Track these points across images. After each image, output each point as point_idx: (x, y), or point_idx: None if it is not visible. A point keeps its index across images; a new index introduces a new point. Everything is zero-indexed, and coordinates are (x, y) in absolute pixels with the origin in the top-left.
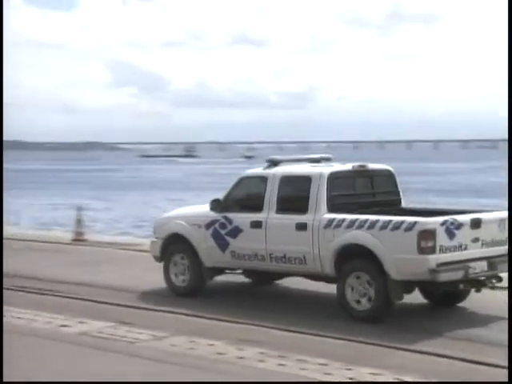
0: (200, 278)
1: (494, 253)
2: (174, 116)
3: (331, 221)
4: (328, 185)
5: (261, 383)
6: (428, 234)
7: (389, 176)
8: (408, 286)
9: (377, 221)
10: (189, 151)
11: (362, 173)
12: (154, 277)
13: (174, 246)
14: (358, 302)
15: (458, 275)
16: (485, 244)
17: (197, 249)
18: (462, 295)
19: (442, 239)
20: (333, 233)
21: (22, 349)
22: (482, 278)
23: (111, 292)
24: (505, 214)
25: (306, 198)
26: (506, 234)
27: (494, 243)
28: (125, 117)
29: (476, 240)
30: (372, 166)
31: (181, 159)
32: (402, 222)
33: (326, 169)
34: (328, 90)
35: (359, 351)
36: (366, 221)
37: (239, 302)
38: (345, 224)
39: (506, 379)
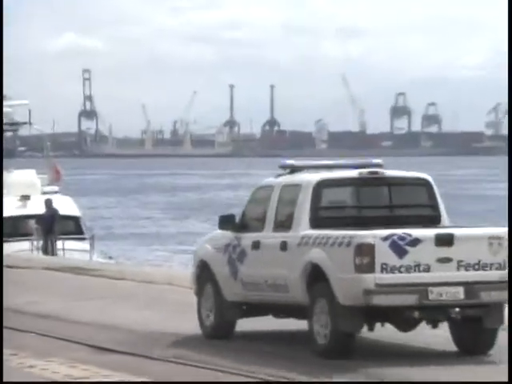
0: (222, 316)
1: (480, 278)
2: None
3: (303, 238)
4: (313, 195)
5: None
6: (364, 250)
7: (422, 186)
8: (366, 314)
9: (330, 236)
10: None
11: (374, 181)
12: None
13: (204, 275)
14: (322, 334)
15: (407, 300)
16: (464, 266)
17: (217, 278)
18: (487, 341)
19: (384, 256)
20: (303, 252)
21: None
22: (457, 308)
23: None
24: (500, 230)
25: (293, 212)
26: (502, 255)
27: (480, 266)
28: None
29: (446, 260)
30: (393, 173)
31: None
32: (344, 237)
33: (317, 176)
34: None
35: None
36: (323, 237)
37: None
38: (311, 241)
39: None
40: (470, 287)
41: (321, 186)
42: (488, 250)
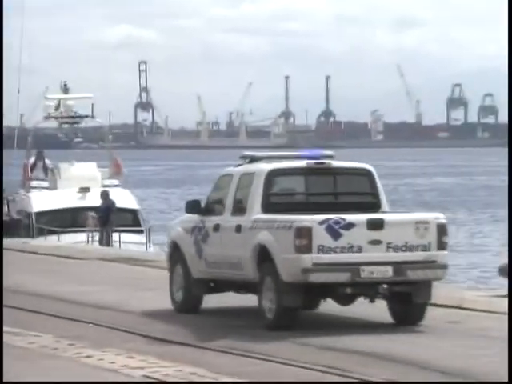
0: (190, 292)
1: (406, 258)
2: None
3: (254, 222)
4: (265, 183)
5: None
6: (303, 233)
7: (364, 176)
8: (306, 290)
9: (275, 220)
10: None
11: (320, 171)
12: None
13: (175, 255)
14: (269, 309)
15: (340, 278)
16: (393, 247)
17: (186, 257)
18: (417, 314)
19: (321, 239)
20: (253, 234)
21: None
22: (385, 285)
23: None
24: (426, 215)
25: (248, 198)
26: (428, 238)
27: (407, 248)
28: None
29: (377, 242)
30: (338, 163)
31: None
32: (287, 221)
33: (268, 165)
34: None
35: None
36: (271, 221)
37: None
38: (260, 225)
39: None
40: (397, 266)
41: (272, 174)
42: (415, 234)
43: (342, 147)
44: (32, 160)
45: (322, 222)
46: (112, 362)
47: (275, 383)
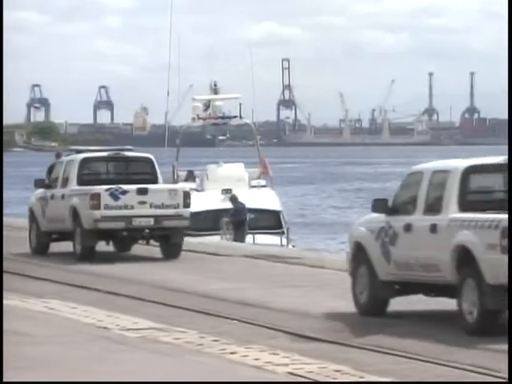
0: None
1: (162, 213)
2: None
3: (72, 191)
4: (79, 166)
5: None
6: (94, 197)
7: (146, 162)
8: (98, 234)
9: (80, 190)
10: None
11: (116, 158)
12: None
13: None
14: None
15: (118, 225)
16: (154, 206)
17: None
18: (176, 251)
19: (106, 200)
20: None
21: None
22: (148, 230)
23: None
24: (176, 186)
25: (65, 176)
26: (177, 201)
27: (163, 206)
28: None
29: (143, 203)
30: (128, 153)
31: None
32: (85, 190)
33: (82, 155)
34: None
35: None
36: (78, 190)
37: None
38: (75, 195)
39: None
40: (157, 218)
41: (83, 161)
42: (168, 197)
43: (486, 144)
44: (182, 179)
45: (106, 190)
46: (256, 359)
47: (420, 383)
